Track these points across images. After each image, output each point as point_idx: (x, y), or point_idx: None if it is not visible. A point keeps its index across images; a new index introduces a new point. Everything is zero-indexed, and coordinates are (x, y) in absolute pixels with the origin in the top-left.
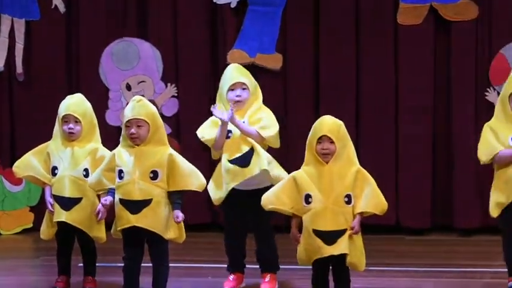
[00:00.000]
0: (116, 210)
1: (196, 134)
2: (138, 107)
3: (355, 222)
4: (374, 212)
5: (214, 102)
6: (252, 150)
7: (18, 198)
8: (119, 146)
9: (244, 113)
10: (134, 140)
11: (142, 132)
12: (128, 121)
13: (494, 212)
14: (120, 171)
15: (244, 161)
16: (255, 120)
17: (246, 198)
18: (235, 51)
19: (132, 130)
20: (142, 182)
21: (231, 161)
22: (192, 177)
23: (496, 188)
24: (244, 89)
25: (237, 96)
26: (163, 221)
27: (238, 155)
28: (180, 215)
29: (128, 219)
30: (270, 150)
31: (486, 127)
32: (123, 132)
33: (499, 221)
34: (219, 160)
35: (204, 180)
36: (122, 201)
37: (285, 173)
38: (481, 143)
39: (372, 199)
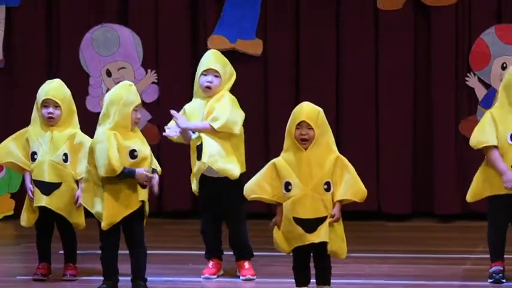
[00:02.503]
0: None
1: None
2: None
3: (335, 210)
4: (353, 199)
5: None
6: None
7: None
8: (109, 129)
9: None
10: (138, 124)
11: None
12: (137, 105)
13: (469, 197)
14: (133, 151)
15: (199, 153)
16: (211, 111)
17: (213, 185)
18: (215, 37)
19: (139, 115)
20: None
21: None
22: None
23: (484, 175)
24: (216, 76)
25: (207, 82)
26: None
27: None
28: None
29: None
30: (252, 136)
31: (488, 114)
32: (121, 117)
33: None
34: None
35: None
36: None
37: (234, 163)
38: (478, 127)
39: (351, 186)
